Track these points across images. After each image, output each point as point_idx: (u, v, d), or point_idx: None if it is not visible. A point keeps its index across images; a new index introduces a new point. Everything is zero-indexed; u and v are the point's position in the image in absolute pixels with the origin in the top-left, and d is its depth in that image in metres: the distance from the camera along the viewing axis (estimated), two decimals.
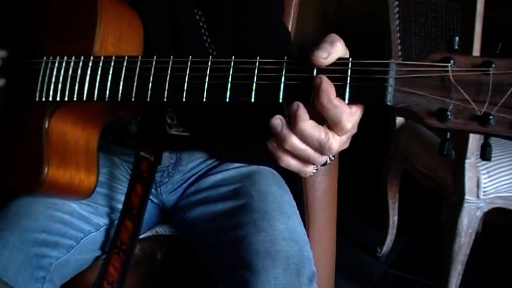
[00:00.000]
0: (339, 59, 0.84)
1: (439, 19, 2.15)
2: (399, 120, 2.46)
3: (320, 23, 3.80)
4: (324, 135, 0.83)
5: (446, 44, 0.77)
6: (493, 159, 2.02)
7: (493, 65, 0.74)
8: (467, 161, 2.00)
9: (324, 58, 0.83)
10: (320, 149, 0.84)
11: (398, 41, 2.37)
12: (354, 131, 0.87)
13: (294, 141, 0.84)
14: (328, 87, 0.82)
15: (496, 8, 1.97)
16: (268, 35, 1.30)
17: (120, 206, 1.34)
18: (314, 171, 0.93)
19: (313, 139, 0.83)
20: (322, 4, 3.79)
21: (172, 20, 1.24)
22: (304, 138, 0.84)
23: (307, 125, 0.83)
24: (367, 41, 2.70)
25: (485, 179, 2.04)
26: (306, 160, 0.86)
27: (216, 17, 1.27)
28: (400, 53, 2.38)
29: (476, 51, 1.86)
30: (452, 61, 0.76)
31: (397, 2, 2.32)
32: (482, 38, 1.85)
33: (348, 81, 0.82)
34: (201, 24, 1.27)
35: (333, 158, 0.97)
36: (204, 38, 1.27)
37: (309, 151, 0.85)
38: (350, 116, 0.83)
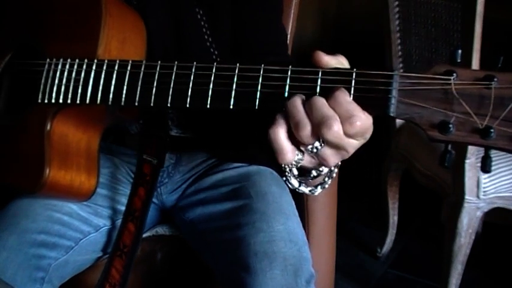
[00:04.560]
0: (343, 69, 0.84)
1: (439, 19, 2.14)
2: (399, 120, 2.45)
3: (320, 23, 3.79)
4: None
5: (448, 57, 0.77)
6: (493, 159, 2.02)
7: (495, 79, 0.75)
8: (467, 161, 2.00)
9: (325, 55, 0.84)
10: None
11: (399, 41, 2.37)
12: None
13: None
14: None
15: (496, 8, 1.97)
16: (266, 33, 1.31)
17: (120, 207, 1.35)
18: (320, 190, 0.93)
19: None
20: (322, 4, 3.77)
21: (174, 18, 1.25)
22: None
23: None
24: (367, 41, 2.70)
25: (485, 179, 2.04)
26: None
27: (217, 15, 1.27)
28: (400, 53, 2.38)
29: (476, 51, 1.86)
30: (454, 74, 0.76)
31: (397, 2, 2.32)
32: (482, 38, 1.85)
33: (352, 92, 0.82)
34: (202, 23, 1.27)
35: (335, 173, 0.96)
36: (206, 37, 1.28)
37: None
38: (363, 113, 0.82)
